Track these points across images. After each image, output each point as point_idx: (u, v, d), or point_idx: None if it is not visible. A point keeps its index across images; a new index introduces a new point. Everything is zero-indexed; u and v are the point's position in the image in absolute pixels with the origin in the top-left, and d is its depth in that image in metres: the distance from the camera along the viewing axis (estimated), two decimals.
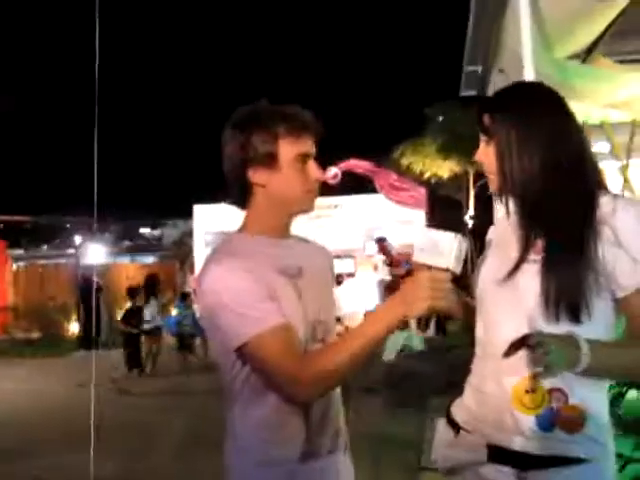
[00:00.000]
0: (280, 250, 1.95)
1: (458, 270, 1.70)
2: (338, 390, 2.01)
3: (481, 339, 1.95)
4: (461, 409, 1.99)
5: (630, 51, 4.88)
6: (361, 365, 1.76)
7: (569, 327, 1.70)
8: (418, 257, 1.71)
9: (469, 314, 2.01)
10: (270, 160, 1.90)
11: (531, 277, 1.77)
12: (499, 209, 6.04)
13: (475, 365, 1.98)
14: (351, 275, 17.36)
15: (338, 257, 16.81)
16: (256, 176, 1.91)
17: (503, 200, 1.94)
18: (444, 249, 1.68)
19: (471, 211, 25.22)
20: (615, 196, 1.80)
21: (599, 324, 1.74)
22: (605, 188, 1.84)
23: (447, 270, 1.68)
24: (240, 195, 1.97)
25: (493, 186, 1.92)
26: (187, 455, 6.38)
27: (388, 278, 17.21)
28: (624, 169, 5.74)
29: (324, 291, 2.04)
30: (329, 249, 2.23)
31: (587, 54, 4.29)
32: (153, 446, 6.89)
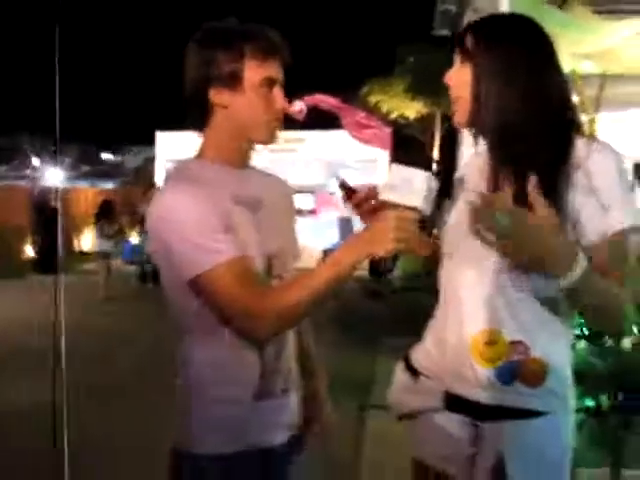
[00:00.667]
0: (239, 180, 1.88)
1: (427, 210, 1.64)
2: (291, 330, 1.96)
3: (444, 285, 1.90)
4: (421, 354, 1.95)
5: (608, 1, 4.81)
6: (321, 303, 1.71)
7: (537, 277, 1.65)
8: (386, 195, 1.64)
9: (433, 256, 1.96)
10: (234, 80, 1.80)
11: None
12: (464, 153, 6.01)
13: (437, 311, 1.93)
14: (312, 212, 17.34)
15: (299, 192, 16.75)
16: (218, 96, 1.82)
17: (471, 131, 1.85)
18: (415, 188, 1.61)
19: (435, 154, 25.22)
20: (591, 140, 1.72)
21: None
22: (582, 133, 1.76)
23: (416, 209, 1.62)
24: (200, 116, 1.87)
25: (461, 114, 1.82)
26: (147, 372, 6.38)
27: (348, 216, 17.26)
28: (591, 123, 5.70)
29: (283, 225, 1.99)
30: (290, 183, 2.16)
31: (564, 0, 4.21)
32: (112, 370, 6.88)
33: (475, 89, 1.75)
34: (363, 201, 1.85)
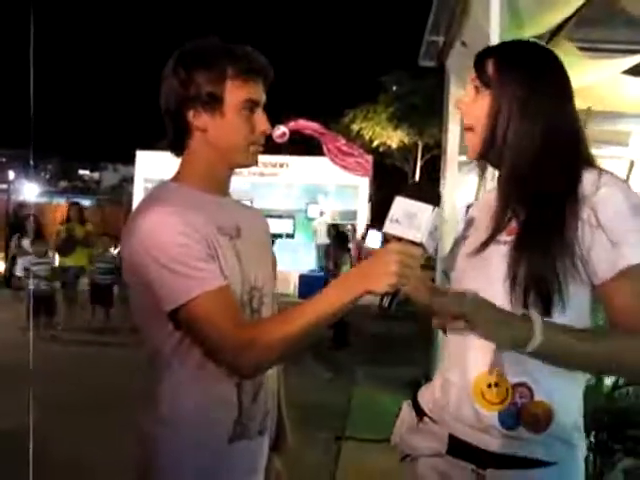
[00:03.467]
0: (219, 207, 1.80)
1: (431, 248, 1.55)
2: (271, 370, 1.88)
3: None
4: (428, 395, 1.86)
5: (594, 39, 4.88)
6: (311, 338, 1.62)
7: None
8: (389, 228, 1.54)
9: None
10: (214, 102, 1.74)
11: (500, 260, 1.63)
12: (447, 183, 5.98)
13: (444, 350, 1.86)
14: (290, 236, 17.35)
15: (280, 217, 16.75)
16: (196, 119, 1.75)
17: (480, 164, 1.79)
18: (419, 222, 1.52)
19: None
20: (601, 172, 1.62)
21: (574, 314, 1.60)
22: (593, 164, 1.66)
23: (420, 245, 1.52)
24: (177, 139, 1.80)
25: (474, 145, 1.73)
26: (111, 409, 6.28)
27: (327, 242, 17.28)
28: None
29: (262, 257, 1.90)
30: (268, 210, 2.10)
31: (552, 36, 4.26)
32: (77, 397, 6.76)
33: (493, 120, 1.67)
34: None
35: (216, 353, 1.66)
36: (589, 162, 1.67)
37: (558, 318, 1.58)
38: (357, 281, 1.56)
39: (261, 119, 1.80)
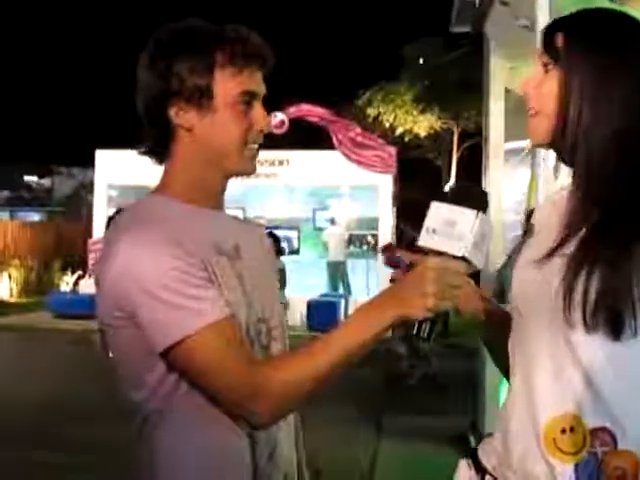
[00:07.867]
0: (215, 223, 1.84)
1: (478, 261, 1.59)
2: (290, 419, 1.90)
3: (511, 359, 1.82)
4: (489, 450, 1.86)
5: None
6: (336, 377, 1.65)
7: (608, 342, 1.57)
8: (425, 241, 1.58)
9: (496, 325, 1.91)
10: (202, 96, 1.77)
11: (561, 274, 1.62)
12: (491, 180, 5.92)
13: (507, 393, 1.85)
14: (294, 252, 17.33)
15: (280, 228, 16.73)
16: (181, 116, 1.78)
17: (552, 158, 1.81)
18: (462, 231, 1.56)
19: (452, 180, 25.35)
20: None
21: None
22: None
23: (463, 259, 1.56)
24: (158, 143, 1.84)
25: (540, 132, 1.76)
26: None
27: (340, 259, 17.25)
28: None
29: (267, 282, 1.94)
30: (265, 219, 2.11)
31: None
32: None
33: (563, 103, 1.70)
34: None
35: (224, 400, 1.68)
36: None
37: (628, 346, 1.58)
38: (388, 306, 1.60)
39: (260, 115, 1.83)
